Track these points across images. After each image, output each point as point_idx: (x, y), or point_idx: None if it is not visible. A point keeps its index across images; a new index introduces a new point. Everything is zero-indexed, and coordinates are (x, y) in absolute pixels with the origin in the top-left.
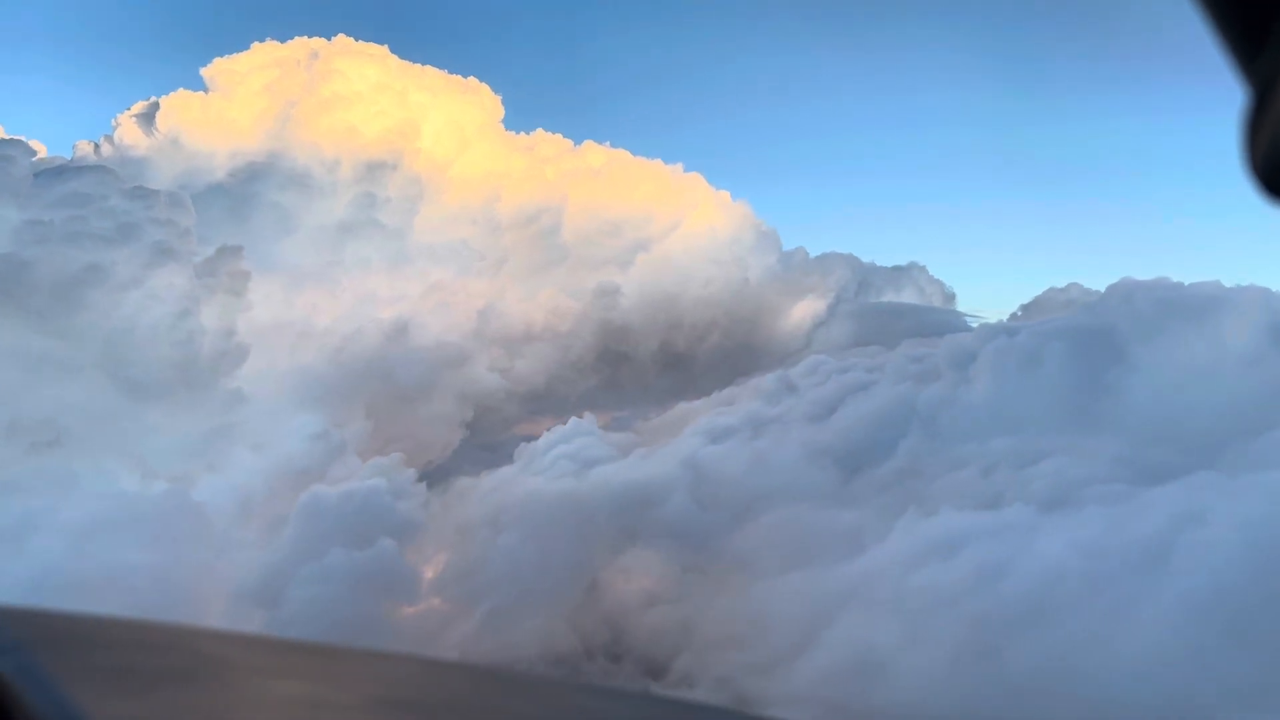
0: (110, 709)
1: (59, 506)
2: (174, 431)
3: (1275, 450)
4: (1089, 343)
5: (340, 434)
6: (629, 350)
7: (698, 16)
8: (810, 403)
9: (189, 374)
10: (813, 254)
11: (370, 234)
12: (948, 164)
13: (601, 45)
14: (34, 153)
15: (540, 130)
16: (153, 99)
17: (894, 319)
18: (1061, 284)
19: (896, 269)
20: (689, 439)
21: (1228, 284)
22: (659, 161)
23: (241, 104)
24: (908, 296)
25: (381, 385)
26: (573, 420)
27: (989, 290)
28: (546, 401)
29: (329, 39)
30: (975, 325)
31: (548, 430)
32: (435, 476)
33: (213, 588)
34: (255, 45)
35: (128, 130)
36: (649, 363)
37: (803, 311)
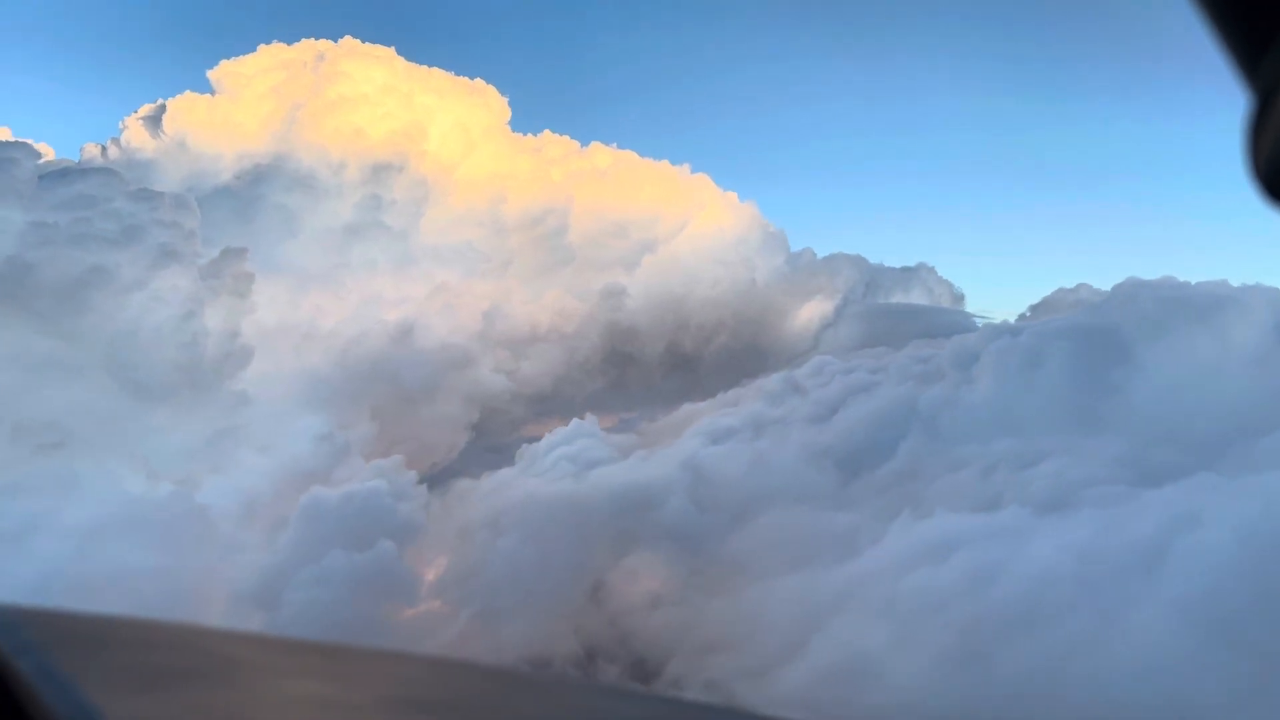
0: (127, 708)
1: (63, 508)
2: (179, 433)
3: (1277, 451)
4: (1093, 343)
5: (345, 436)
6: (635, 352)
7: (706, 18)
8: (813, 404)
9: (193, 376)
10: (820, 255)
11: (376, 236)
12: (957, 165)
13: (609, 47)
14: (39, 155)
15: (547, 132)
16: (160, 101)
17: (902, 320)
18: (1071, 285)
19: (905, 270)
20: (689, 440)
21: (1235, 284)
22: (666, 162)
23: (248, 106)
24: (916, 298)
25: (387, 387)
26: (574, 421)
27: (998, 291)
28: (553, 403)
29: (336, 41)
30: (983, 326)
31: (549, 433)
32: (441, 478)
33: (214, 590)
34: (262, 47)
35: (134, 133)
36: (656, 364)
37: (810, 312)
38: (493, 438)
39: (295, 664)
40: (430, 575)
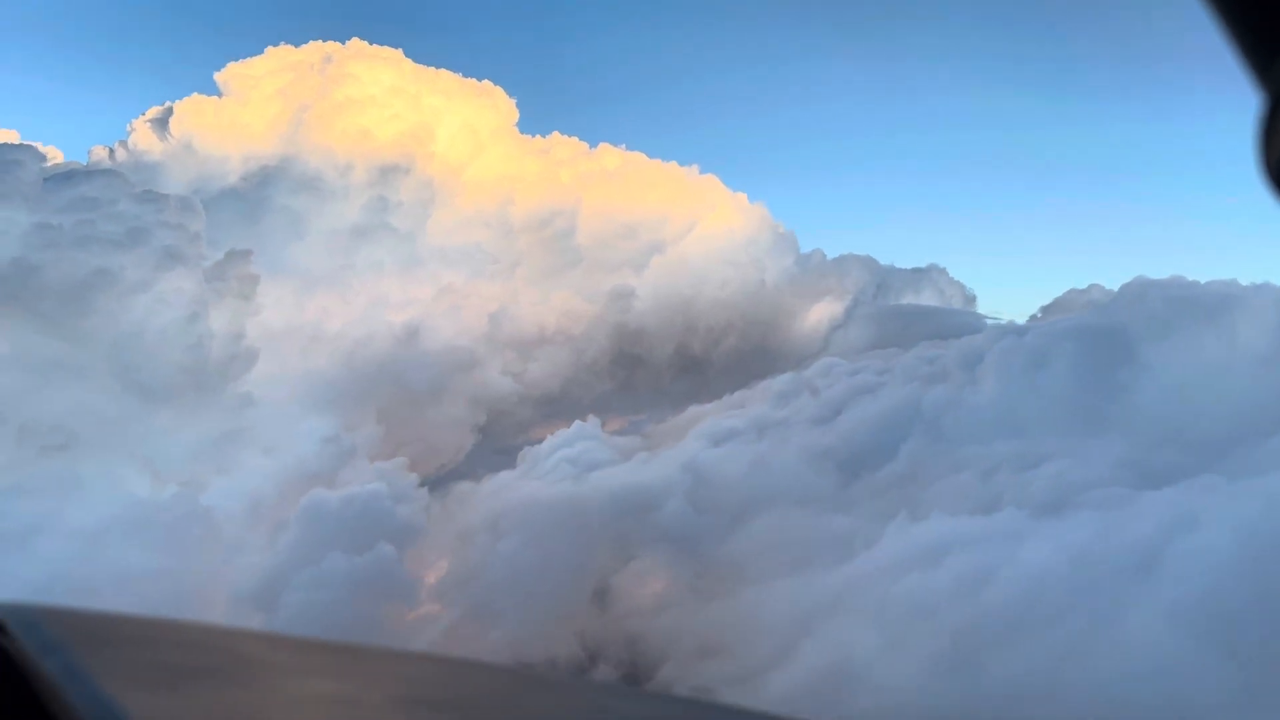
0: (149, 706)
1: (67, 510)
2: (184, 435)
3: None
4: (1099, 343)
5: (351, 438)
6: (644, 354)
7: (715, 18)
8: (818, 405)
9: (198, 378)
10: (830, 256)
11: (382, 238)
12: (969, 166)
13: (618, 48)
14: (44, 158)
15: (556, 133)
16: (167, 104)
17: (913, 321)
18: (1083, 285)
19: (916, 271)
20: (691, 442)
21: (1245, 284)
22: (674, 163)
23: (254, 108)
24: (927, 299)
25: (393, 389)
26: (576, 423)
27: (1010, 292)
28: (561, 405)
29: (343, 43)
30: (990, 327)
31: (551, 435)
32: (449, 481)
33: (216, 591)
34: (269, 49)
35: (142, 135)
36: (665, 366)
37: (820, 314)
38: (500, 440)
39: (311, 663)
40: (429, 578)
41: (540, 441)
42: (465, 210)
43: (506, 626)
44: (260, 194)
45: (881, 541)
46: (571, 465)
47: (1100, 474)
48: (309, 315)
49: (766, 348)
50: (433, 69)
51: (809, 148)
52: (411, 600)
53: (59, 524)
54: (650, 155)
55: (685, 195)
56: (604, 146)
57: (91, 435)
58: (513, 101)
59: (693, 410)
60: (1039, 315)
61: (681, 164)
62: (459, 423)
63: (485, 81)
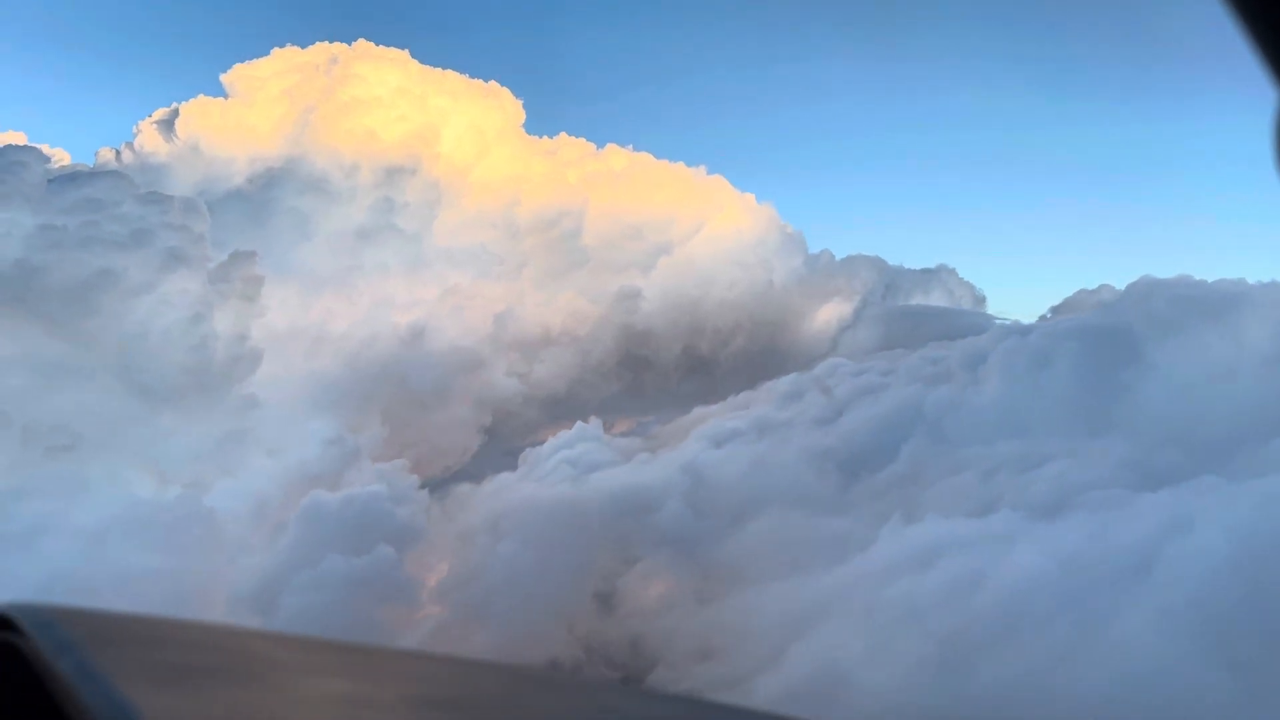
0: (162, 706)
1: (71, 510)
2: (188, 436)
3: None
4: (1103, 343)
5: (355, 440)
6: (651, 355)
7: (722, 19)
8: (821, 406)
9: (202, 379)
10: (839, 257)
11: (388, 239)
12: (978, 166)
13: (626, 49)
14: (48, 159)
15: (563, 134)
16: (174, 105)
17: (922, 322)
18: (1093, 285)
19: (925, 271)
20: (692, 444)
21: (1253, 282)
22: (681, 164)
23: (261, 109)
24: (937, 299)
25: (397, 390)
26: (578, 425)
27: (1021, 293)
28: (568, 407)
29: (350, 44)
30: (994, 327)
31: (552, 436)
32: (455, 482)
33: (215, 593)
34: (275, 51)
35: (148, 137)
36: (672, 367)
37: (828, 314)
38: (508, 442)
39: (323, 663)
40: (429, 579)
41: (543, 443)
42: (471, 211)
43: (504, 628)
44: (266, 195)
45: (876, 544)
46: (571, 467)
47: (1101, 475)
48: (314, 316)
49: (775, 349)
50: (439, 70)
51: (817, 148)
52: (411, 602)
53: (63, 524)
54: (658, 156)
55: (693, 196)
56: (611, 147)
57: (96, 436)
58: (519, 102)
59: (698, 411)
60: (1048, 316)
61: (689, 164)
62: (464, 424)
63: (492, 82)
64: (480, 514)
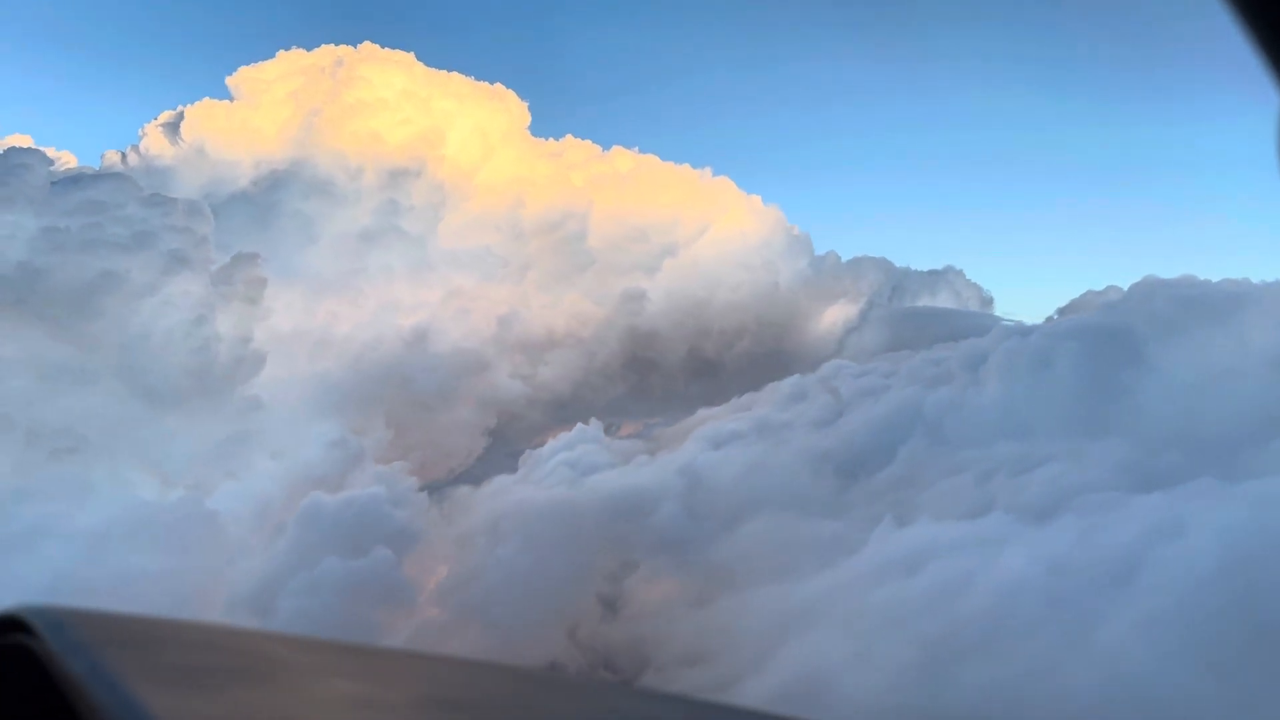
0: (175, 707)
1: (73, 513)
2: (191, 439)
3: None
4: (1105, 343)
5: (359, 442)
6: (657, 357)
7: (728, 21)
8: (822, 408)
9: (205, 381)
10: (845, 258)
11: (393, 241)
12: (985, 167)
13: (632, 51)
14: (51, 161)
15: (569, 136)
16: (180, 108)
17: (928, 324)
18: (1100, 287)
19: (932, 273)
20: (692, 445)
21: (1257, 281)
22: (687, 166)
23: (266, 112)
24: (944, 301)
25: (402, 393)
26: (578, 426)
27: (1028, 294)
28: (573, 409)
29: (355, 46)
30: (996, 328)
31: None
32: (460, 485)
33: (214, 596)
34: (280, 53)
35: (154, 140)
36: (678, 369)
37: (834, 316)
38: (513, 444)
39: (334, 664)
40: (427, 582)
41: (543, 445)
42: (476, 213)
43: (501, 631)
44: (271, 198)
45: (866, 547)
46: (570, 469)
47: (1098, 477)
48: (318, 319)
49: (781, 350)
50: (444, 72)
51: (824, 149)
52: (408, 604)
53: (65, 526)
54: (664, 158)
55: (698, 198)
56: (617, 149)
57: (99, 438)
58: (525, 104)
59: (701, 413)
60: (1055, 317)
61: (695, 166)
62: (469, 426)
63: (497, 85)
64: (478, 516)
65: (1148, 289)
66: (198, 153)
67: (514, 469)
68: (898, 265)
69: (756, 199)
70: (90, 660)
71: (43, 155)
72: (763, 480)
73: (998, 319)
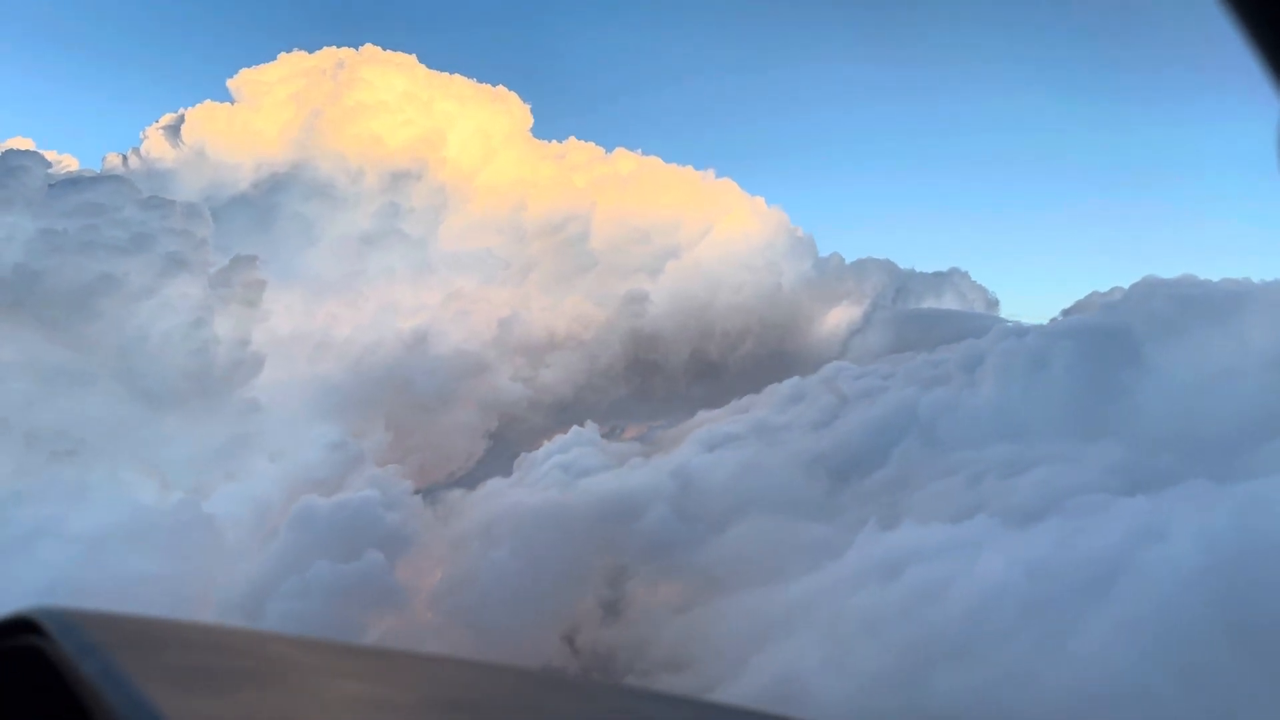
0: (187, 708)
1: (71, 515)
2: (190, 441)
3: (1278, 457)
4: (1102, 344)
5: (359, 444)
6: (660, 359)
7: (732, 23)
8: (820, 409)
9: (204, 384)
10: (849, 260)
11: (393, 244)
12: (990, 169)
13: (635, 53)
14: (49, 164)
15: (572, 138)
16: (181, 111)
17: (932, 325)
18: (1105, 288)
19: (937, 275)
20: (687, 448)
21: (1257, 281)
22: (690, 168)
23: (267, 114)
24: (949, 303)
25: (401, 395)
26: (574, 429)
27: (1034, 296)
28: (575, 411)
29: (357, 48)
30: (994, 329)
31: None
32: (458, 488)
33: (209, 599)
34: (282, 55)
35: (155, 143)
36: (681, 372)
37: (838, 318)
38: (515, 447)
39: (344, 666)
40: (418, 585)
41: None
42: (477, 216)
43: (492, 635)
44: (271, 200)
45: (850, 551)
46: (563, 472)
47: (1089, 480)
48: (318, 321)
49: (784, 352)
50: (446, 74)
51: (828, 151)
52: (399, 608)
53: (62, 529)
54: (667, 160)
55: (701, 199)
56: (620, 151)
57: (98, 441)
58: (527, 107)
59: (701, 415)
60: (1059, 319)
61: (698, 168)
62: (469, 429)
63: (499, 87)
64: (471, 520)
65: (1147, 289)
66: (198, 155)
67: (512, 472)
68: (902, 267)
69: (760, 200)
70: (102, 661)
71: (41, 158)
72: (754, 483)
73: (1002, 321)
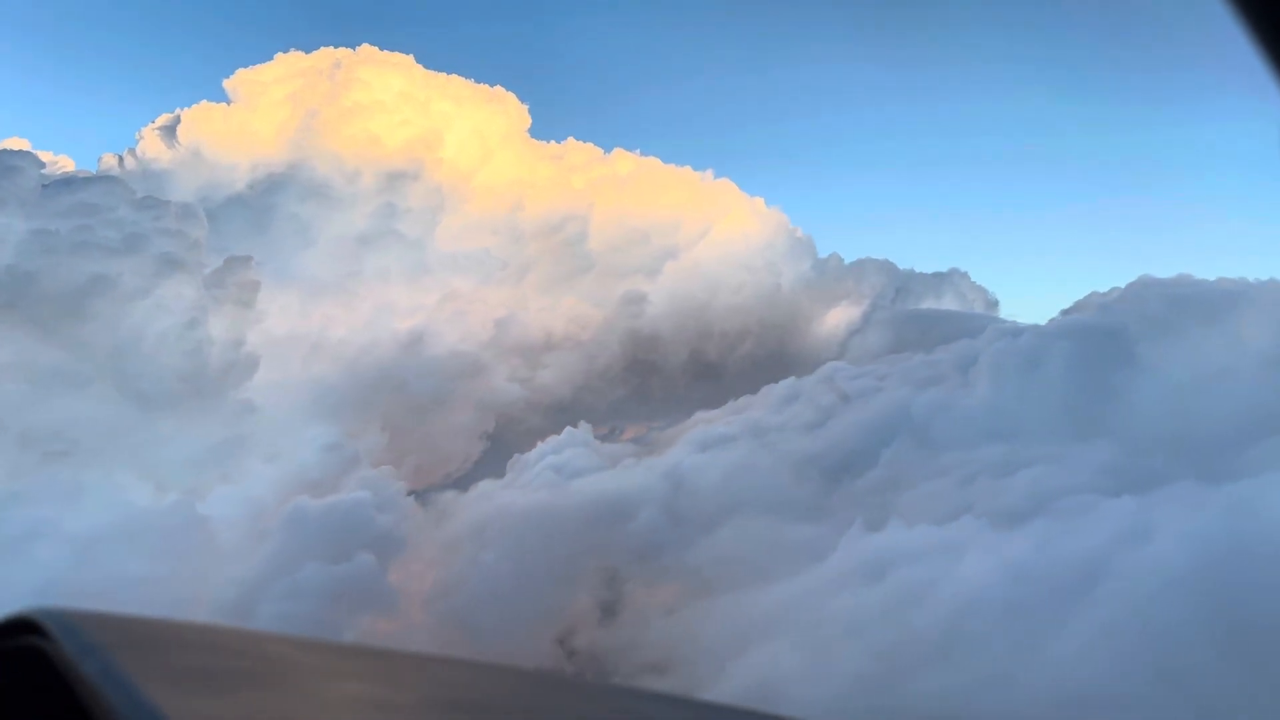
0: (188, 709)
1: (64, 517)
2: (185, 442)
3: (1270, 457)
4: (1097, 344)
5: (355, 446)
6: (659, 360)
7: (731, 24)
8: (815, 410)
9: (198, 385)
10: (848, 261)
11: (390, 245)
12: (989, 169)
13: (635, 54)
14: (43, 164)
15: (571, 139)
16: (177, 111)
17: (932, 326)
18: (1104, 288)
19: (937, 275)
20: (680, 449)
21: (1253, 280)
22: (688, 168)
23: (263, 115)
24: (948, 303)
25: (397, 396)
26: (567, 430)
27: (1034, 296)
28: (574, 412)
29: (355, 49)
30: (989, 329)
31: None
32: (454, 489)
33: (200, 601)
34: (279, 55)
35: (150, 143)
36: (680, 372)
37: (837, 319)
38: (513, 448)
39: (346, 667)
40: (411, 588)
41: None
42: (475, 216)
43: (481, 638)
44: (268, 201)
45: (835, 553)
46: (555, 473)
47: (1079, 481)
48: (314, 322)
49: (783, 353)
50: (443, 74)
51: (828, 152)
52: (389, 610)
53: (55, 531)
54: (666, 160)
55: (700, 200)
56: (618, 151)
57: (92, 442)
58: (524, 107)
59: (699, 416)
60: (1058, 319)
61: (697, 169)
62: (467, 431)
63: (497, 87)
64: (463, 521)
65: (1142, 288)
66: (195, 156)
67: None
68: (901, 268)
69: (759, 201)
70: (103, 662)
71: (34, 158)
72: (745, 484)
73: (1002, 321)
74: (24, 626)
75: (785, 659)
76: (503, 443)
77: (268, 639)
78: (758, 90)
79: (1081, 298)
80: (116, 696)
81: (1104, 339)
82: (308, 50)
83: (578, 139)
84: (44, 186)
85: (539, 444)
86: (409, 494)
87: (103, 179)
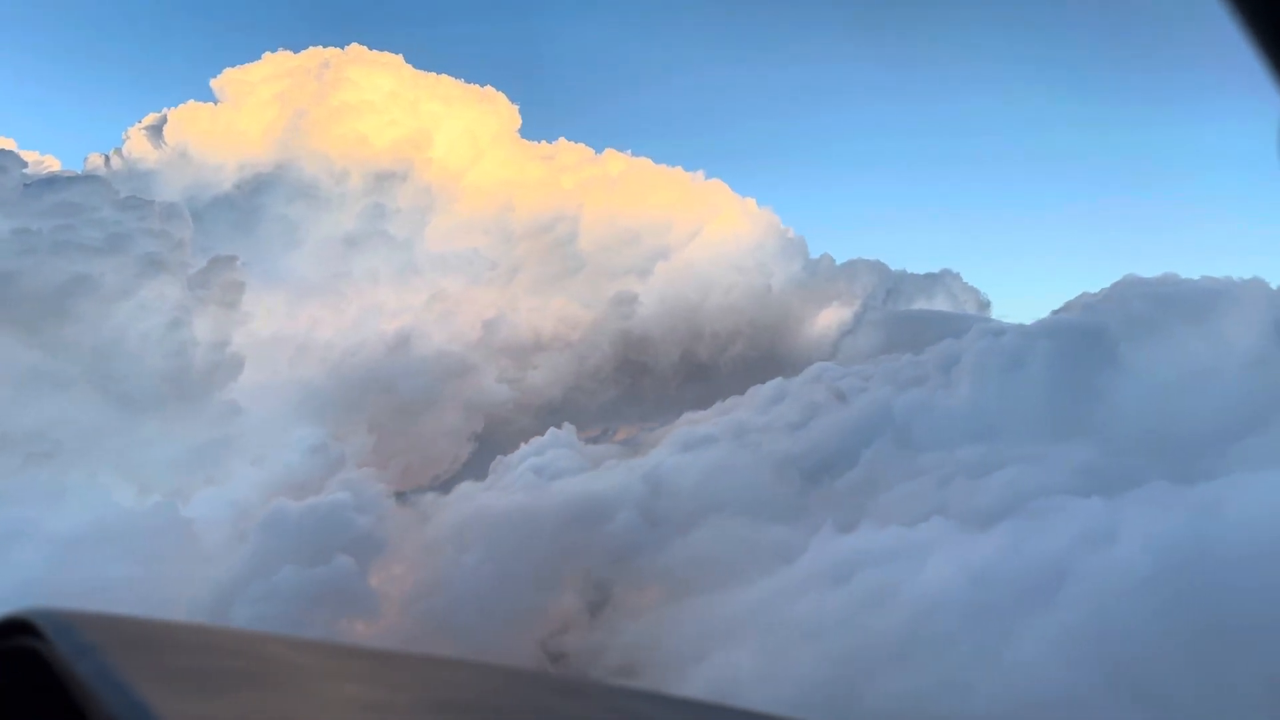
0: (183, 710)
1: (46, 518)
2: (169, 444)
3: (1247, 456)
4: (1079, 344)
5: (341, 447)
6: (650, 361)
7: (723, 24)
8: (800, 410)
9: (182, 386)
10: (840, 261)
11: (378, 245)
12: (981, 170)
13: (626, 54)
14: (24, 163)
15: (562, 139)
16: (164, 111)
17: (923, 327)
18: (1095, 289)
19: (928, 276)
20: (662, 450)
21: (1237, 278)
22: (679, 169)
23: (250, 114)
24: (940, 304)
25: (384, 397)
26: (550, 431)
27: (1026, 297)
28: (565, 413)
29: (343, 48)
30: (973, 329)
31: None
32: (441, 491)
33: (178, 603)
34: (267, 55)
35: (137, 143)
36: (671, 373)
37: (828, 319)
38: (500, 449)
39: (342, 668)
40: (391, 590)
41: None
42: (464, 217)
43: (460, 640)
44: (255, 201)
45: (804, 555)
46: (536, 475)
47: (1054, 481)
48: (301, 323)
49: (774, 354)
50: (433, 74)
51: (820, 153)
52: (371, 613)
53: (37, 532)
54: (657, 161)
55: (690, 200)
56: (609, 152)
57: (75, 443)
58: (515, 107)
59: (687, 417)
60: (1044, 319)
61: (688, 169)
62: (455, 432)
63: (487, 87)
64: (443, 523)
65: (1126, 287)
66: (181, 156)
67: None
68: (893, 269)
69: (751, 201)
70: (98, 663)
71: (16, 157)
72: (723, 485)
73: (993, 321)
74: (19, 627)
75: (746, 662)
76: (492, 444)
77: (264, 639)
78: (749, 91)
79: (1072, 298)
80: (112, 697)
81: (1086, 338)
82: (296, 50)
83: (568, 139)
84: (26, 186)
85: (522, 445)
86: (395, 496)
87: (86, 179)
